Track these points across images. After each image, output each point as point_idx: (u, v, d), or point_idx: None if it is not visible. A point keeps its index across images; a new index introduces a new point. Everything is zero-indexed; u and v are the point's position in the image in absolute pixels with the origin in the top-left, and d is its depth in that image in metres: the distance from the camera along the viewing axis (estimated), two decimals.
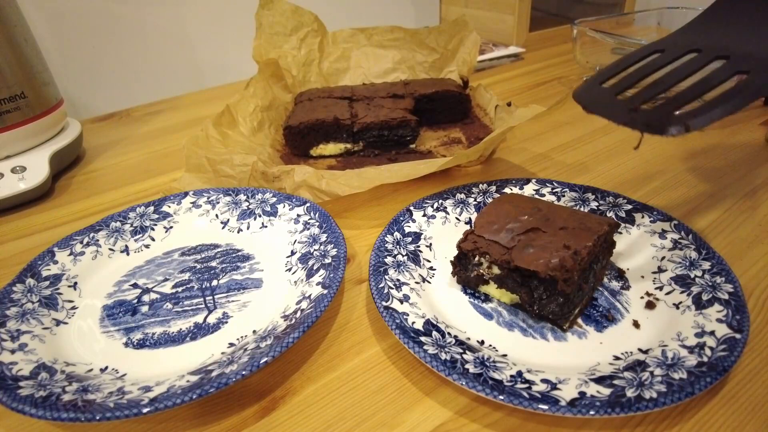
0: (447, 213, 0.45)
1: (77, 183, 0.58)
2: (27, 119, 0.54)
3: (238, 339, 0.34)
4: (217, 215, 0.47)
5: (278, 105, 0.66)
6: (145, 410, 0.26)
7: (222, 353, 0.33)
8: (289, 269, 0.40)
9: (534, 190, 0.46)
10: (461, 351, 0.30)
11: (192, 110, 0.79)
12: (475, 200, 0.46)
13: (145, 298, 0.38)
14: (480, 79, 0.77)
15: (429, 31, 0.73)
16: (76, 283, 0.39)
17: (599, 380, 0.28)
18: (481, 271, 0.35)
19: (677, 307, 0.34)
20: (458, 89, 0.65)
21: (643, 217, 0.42)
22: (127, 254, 0.43)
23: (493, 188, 0.47)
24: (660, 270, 0.37)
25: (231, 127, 0.58)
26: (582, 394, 0.27)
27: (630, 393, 0.27)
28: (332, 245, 0.39)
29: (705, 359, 0.28)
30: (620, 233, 0.41)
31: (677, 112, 0.29)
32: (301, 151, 0.59)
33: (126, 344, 0.34)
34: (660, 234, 0.40)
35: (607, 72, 0.35)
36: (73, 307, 0.38)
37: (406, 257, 0.39)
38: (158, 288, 0.39)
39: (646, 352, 0.31)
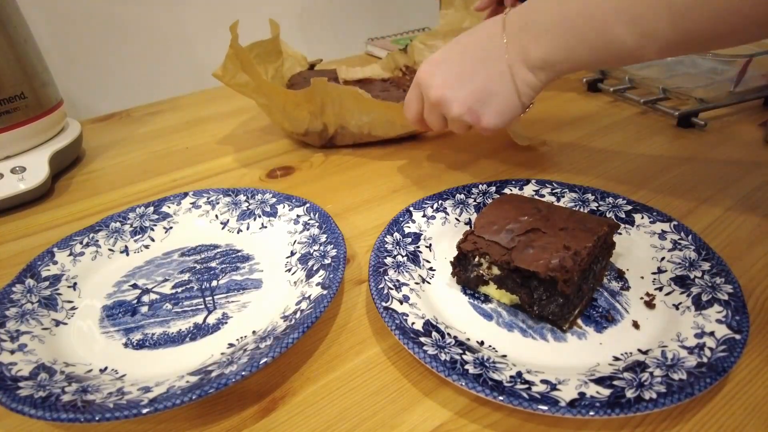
0: (447, 213, 0.45)
1: (77, 183, 0.58)
2: (27, 120, 0.54)
3: (237, 339, 0.34)
4: (216, 216, 0.47)
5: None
6: (144, 411, 0.26)
7: (222, 354, 0.33)
8: (289, 270, 0.40)
9: (534, 190, 0.46)
10: (461, 351, 0.30)
11: (192, 110, 0.79)
12: (474, 201, 0.46)
13: (145, 298, 0.38)
14: None
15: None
16: (75, 284, 0.39)
17: (599, 381, 0.28)
18: (481, 271, 0.35)
19: (677, 308, 0.34)
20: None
21: (642, 217, 0.42)
22: (127, 255, 0.43)
23: (493, 189, 0.47)
24: (660, 271, 0.37)
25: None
26: (582, 394, 0.27)
27: (630, 394, 0.27)
28: (332, 246, 0.39)
29: (705, 360, 0.28)
30: (620, 234, 0.41)
31: None
32: None
33: (125, 345, 0.34)
34: (660, 234, 0.40)
35: None
36: (73, 308, 0.38)
37: (405, 258, 0.39)
38: (158, 288, 0.39)
39: (645, 352, 0.31)
